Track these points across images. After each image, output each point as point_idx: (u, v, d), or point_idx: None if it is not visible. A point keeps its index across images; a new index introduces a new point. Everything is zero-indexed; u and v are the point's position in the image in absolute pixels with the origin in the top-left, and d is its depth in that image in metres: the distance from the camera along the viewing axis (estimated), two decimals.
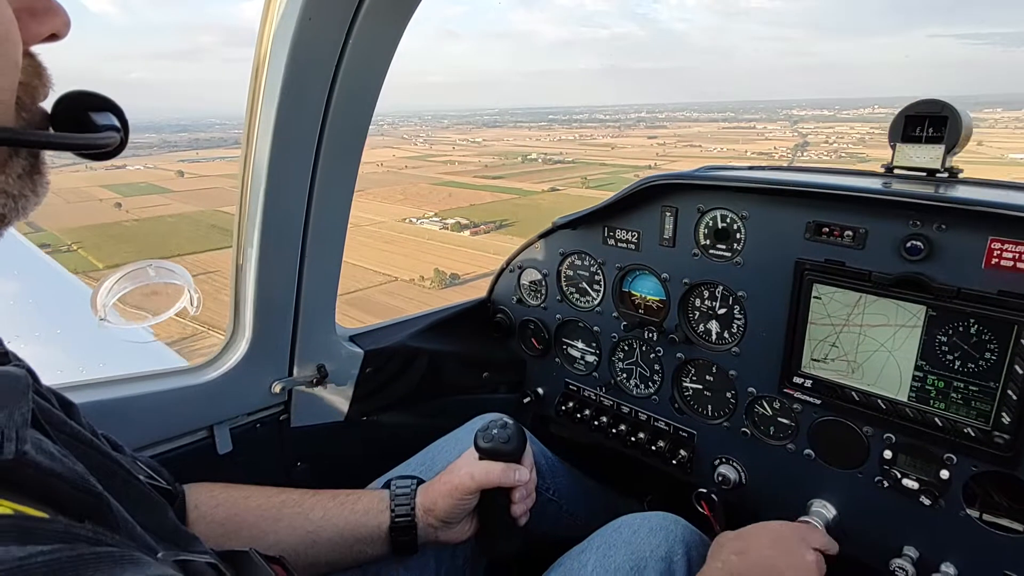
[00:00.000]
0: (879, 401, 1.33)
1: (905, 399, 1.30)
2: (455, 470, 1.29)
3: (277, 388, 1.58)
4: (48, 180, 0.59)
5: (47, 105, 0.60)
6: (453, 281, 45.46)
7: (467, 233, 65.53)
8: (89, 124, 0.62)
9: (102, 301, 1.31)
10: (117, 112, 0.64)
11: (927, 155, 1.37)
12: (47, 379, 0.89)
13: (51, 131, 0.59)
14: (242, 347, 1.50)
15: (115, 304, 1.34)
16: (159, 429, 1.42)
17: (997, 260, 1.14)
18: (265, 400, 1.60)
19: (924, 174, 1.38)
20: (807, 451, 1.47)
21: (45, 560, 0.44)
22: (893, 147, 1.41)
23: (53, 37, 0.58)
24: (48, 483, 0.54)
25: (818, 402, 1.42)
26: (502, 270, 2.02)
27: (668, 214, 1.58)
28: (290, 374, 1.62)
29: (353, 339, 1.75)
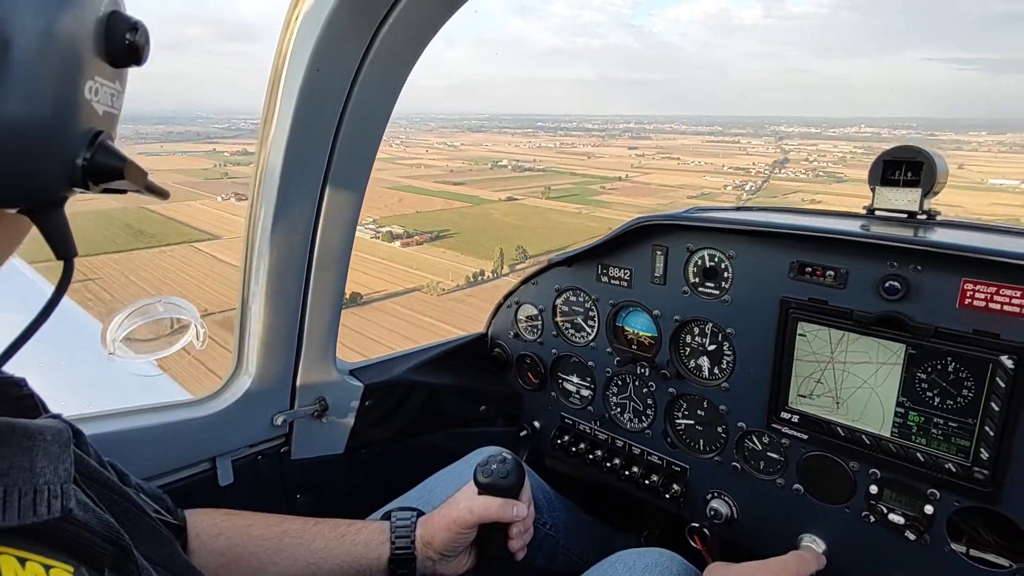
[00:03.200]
0: (863, 436, 1.36)
1: (888, 434, 1.34)
2: (454, 504, 1.31)
3: (279, 420, 1.62)
4: None
5: None
6: (354, 302, 41.95)
7: (397, 244, 61.88)
8: None
9: (111, 336, 1.36)
10: None
11: (905, 198, 1.43)
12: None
13: None
14: (245, 381, 1.55)
15: (124, 339, 1.39)
16: (162, 461, 1.45)
17: (971, 300, 1.19)
18: (267, 432, 1.64)
19: (905, 215, 1.44)
20: (796, 486, 1.50)
21: None
22: (873, 190, 1.48)
23: None
24: (81, 536, 0.56)
25: (805, 437, 1.46)
26: (499, 306, 2.07)
27: (659, 253, 1.63)
28: (291, 407, 1.65)
29: (353, 373, 1.79)
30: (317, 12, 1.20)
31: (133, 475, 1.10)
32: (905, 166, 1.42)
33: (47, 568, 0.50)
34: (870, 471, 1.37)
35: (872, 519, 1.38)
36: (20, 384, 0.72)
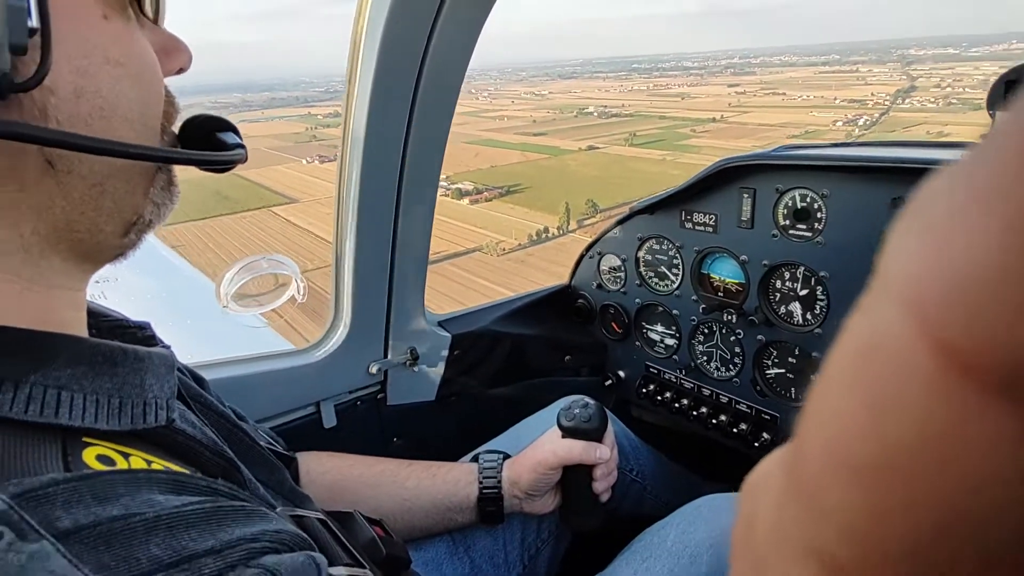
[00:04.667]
0: None
1: None
2: (539, 446, 1.37)
3: (374, 369, 1.72)
4: (179, 189, 0.71)
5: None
6: None
7: (466, 201, 58.84)
8: (219, 143, 0.72)
9: (224, 291, 1.49)
10: (235, 130, 0.75)
11: None
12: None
13: (190, 151, 0.70)
14: (343, 332, 1.65)
15: (235, 293, 1.52)
16: (274, 404, 1.59)
17: None
18: (364, 380, 1.75)
19: None
20: None
21: (195, 509, 0.53)
22: (992, 116, 1.33)
23: (180, 71, 0.71)
24: (190, 447, 0.64)
25: None
26: (581, 257, 2.07)
27: (746, 195, 1.57)
28: (385, 356, 1.76)
29: (441, 324, 1.87)
30: None
31: (249, 416, 1.23)
32: None
33: (167, 468, 0.58)
34: None
35: None
36: (144, 327, 0.82)
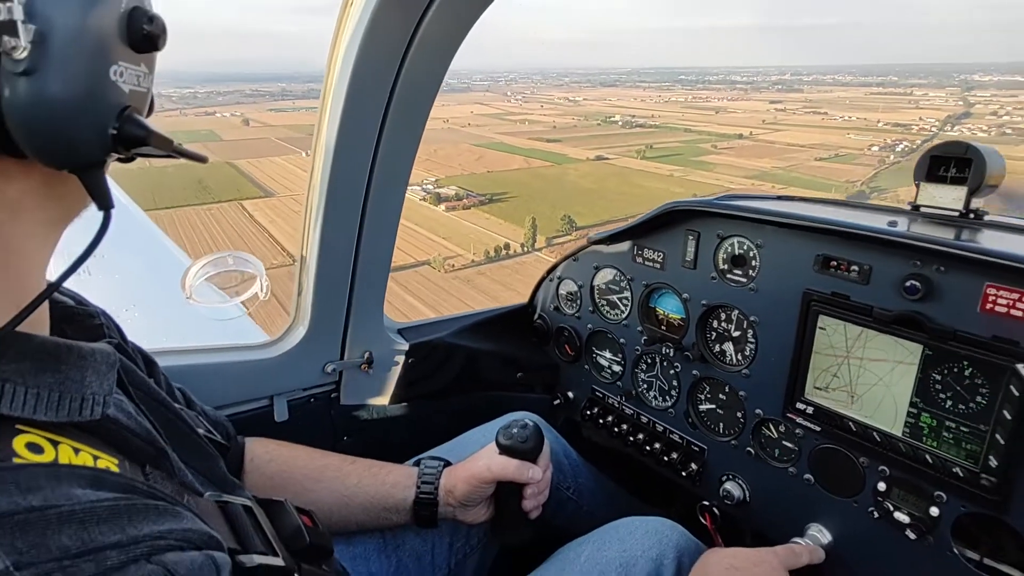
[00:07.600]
0: (874, 433, 1.36)
1: (899, 433, 1.33)
2: (476, 459, 1.43)
3: (329, 368, 1.80)
4: None
5: None
6: None
7: (442, 207, 56.44)
8: None
9: (189, 283, 1.57)
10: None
11: (949, 196, 1.38)
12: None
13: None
14: (300, 331, 1.73)
15: (200, 285, 1.60)
16: (228, 394, 1.66)
17: (992, 305, 1.16)
18: (319, 379, 1.83)
19: (956, 214, 1.39)
20: (807, 476, 1.52)
21: (108, 505, 0.58)
22: (918, 186, 1.44)
23: None
24: (121, 436, 0.70)
25: (818, 429, 1.47)
26: (542, 279, 2.16)
27: (691, 238, 1.66)
28: (341, 357, 1.83)
29: (400, 332, 1.95)
30: None
31: (202, 403, 1.29)
32: (953, 162, 1.37)
33: (95, 458, 0.64)
34: (879, 468, 1.37)
35: (876, 515, 1.39)
36: (95, 315, 0.89)
